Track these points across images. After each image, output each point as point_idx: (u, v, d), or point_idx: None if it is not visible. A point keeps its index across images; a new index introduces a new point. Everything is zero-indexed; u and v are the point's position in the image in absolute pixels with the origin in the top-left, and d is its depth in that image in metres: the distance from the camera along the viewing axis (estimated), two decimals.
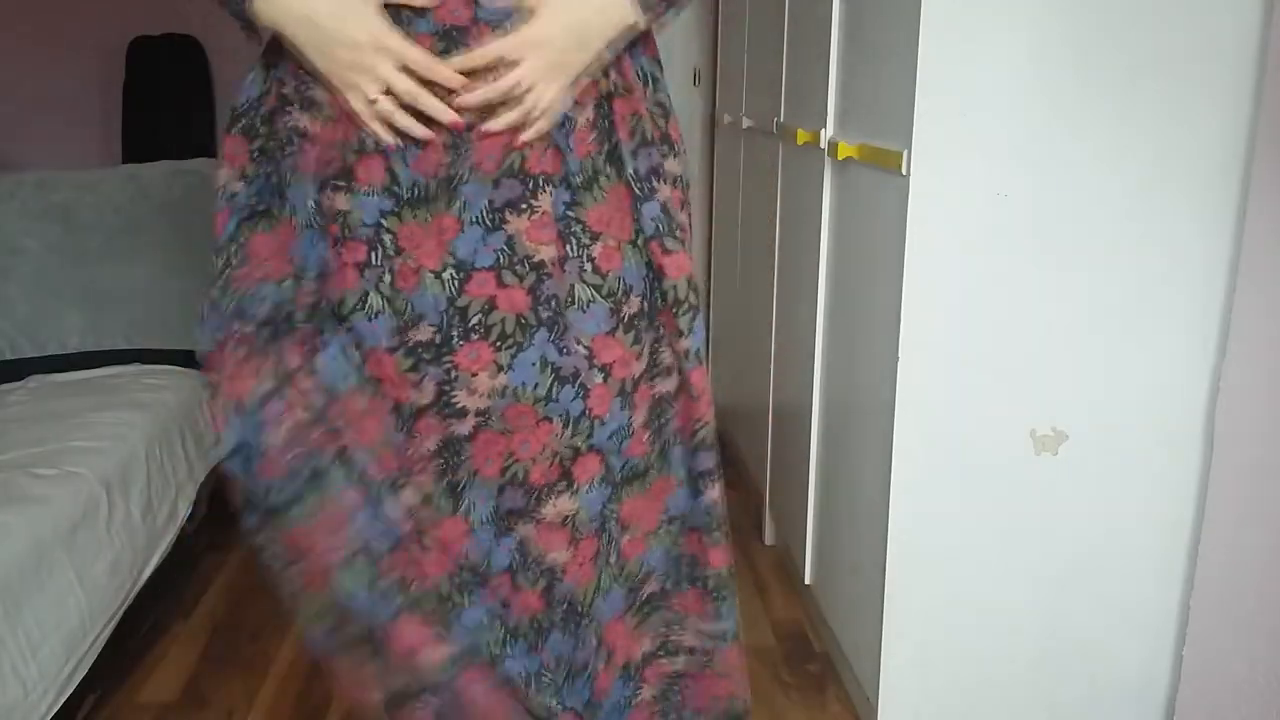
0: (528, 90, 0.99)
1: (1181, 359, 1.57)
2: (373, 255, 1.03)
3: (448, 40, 0.99)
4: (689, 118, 3.25)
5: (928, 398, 1.56)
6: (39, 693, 1.55)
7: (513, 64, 0.99)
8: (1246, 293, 1.50)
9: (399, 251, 1.03)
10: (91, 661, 1.73)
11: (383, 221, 1.02)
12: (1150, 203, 1.51)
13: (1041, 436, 1.59)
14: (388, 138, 1.01)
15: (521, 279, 1.04)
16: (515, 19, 0.99)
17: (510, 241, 1.03)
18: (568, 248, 1.05)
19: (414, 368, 1.04)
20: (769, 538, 2.52)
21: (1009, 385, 1.57)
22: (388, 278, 1.03)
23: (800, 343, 2.12)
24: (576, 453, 1.08)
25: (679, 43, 3.22)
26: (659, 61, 1.13)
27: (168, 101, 3.38)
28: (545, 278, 1.05)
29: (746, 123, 2.63)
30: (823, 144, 1.91)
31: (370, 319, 1.03)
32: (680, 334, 1.11)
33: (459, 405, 1.05)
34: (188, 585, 2.32)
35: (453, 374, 1.04)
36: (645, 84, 1.10)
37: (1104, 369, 1.57)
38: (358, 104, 0.99)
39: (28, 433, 1.99)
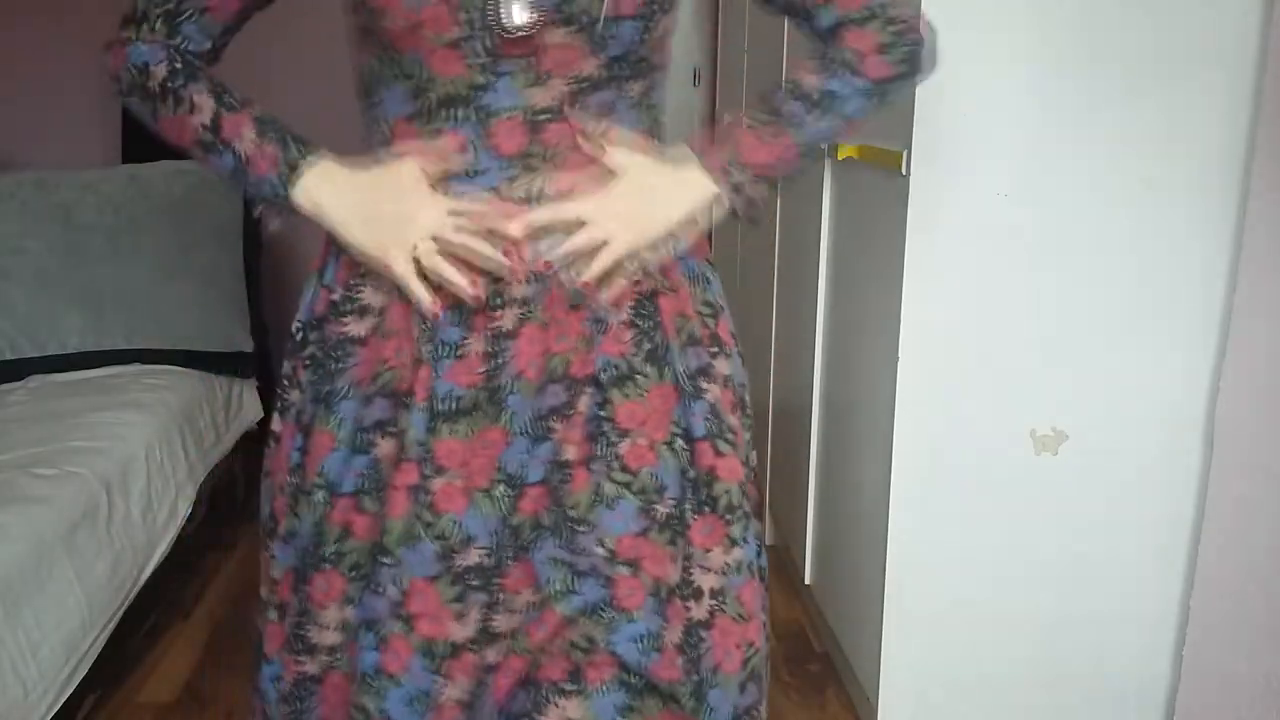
0: (604, 243, 0.94)
1: (1181, 359, 1.57)
2: (419, 475, 0.95)
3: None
4: (689, 118, 3.25)
5: (928, 398, 1.56)
6: (39, 693, 1.55)
7: (582, 222, 0.94)
8: (1246, 293, 1.50)
9: (439, 471, 0.95)
10: (91, 661, 1.73)
11: (424, 439, 0.95)
12: (1150, 203, 1.51)
13: (1041, 436, 1.59)
14: (427, 300, 0.94)
15: (548, 480, 0.98)
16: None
17: (557, 451, 0.97)
18: (595, 447, 0.97)
19: (459, 597, 0.96)
20: (769, 538, 2.52)
21: (1009, 385, 1.57)
22: (427, 498, 0.95)
23: (800, 343, 2.12)
24: (590, 648, 0.97)
25: (679, 43, 3.21)
26: (711, 263, 1.08)
27: None
28: (564, 481, 0.97)
29: (747, 123, 2.62)
30: None
31: (413, 548, 0.95)
32: (733, 543, 1.02)
33: (497, 630, 0.97)
34: (188, 585, 2.32)
35: (498, 597, 0.96)
36: (694, 283, 1.04)
37: (1104, 369, 1.57)
38: (400, 265, 0.93)
39: (28, 433, 1.99)
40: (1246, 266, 1.49)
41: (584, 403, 0.97)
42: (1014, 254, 1.52)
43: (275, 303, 3.33)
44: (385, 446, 0.97)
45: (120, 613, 1.85)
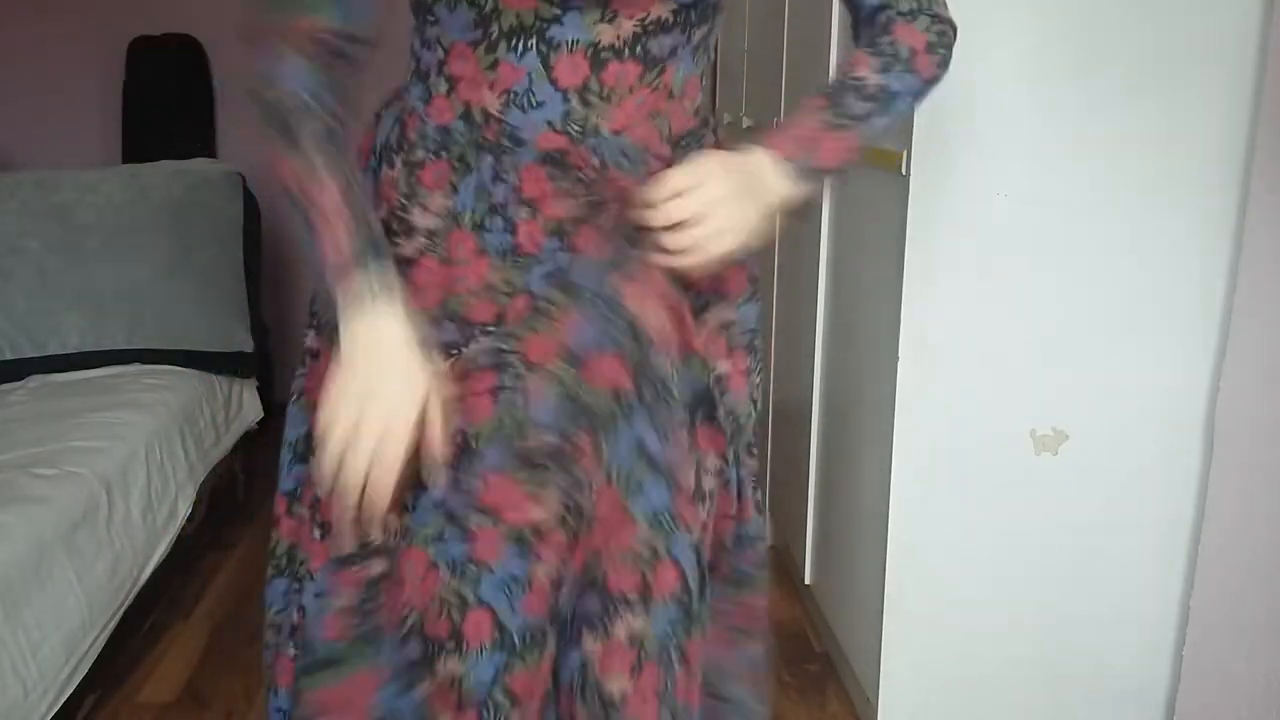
0: (719, 231, 0.93)
1: (1181, 359, 1.57)
2: (502, 378, 0.95)
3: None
4: None
5: (928, 398, 1.56)
6: (39, 693, 1.55)
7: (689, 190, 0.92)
8: (1246, 293, 1.50)
9: (531, 368, 0.95)
10: (91, 661, 1.73)
11: (508, 345, 0.95)
12: (1150, 203, 1.51)
13: (1041, 436, 1.59)
14: (324, 484, 0.91)
15: (632, 356, 0.96)
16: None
17: (633, 324, 0.96)
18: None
19: (538, 480, 0.95)
20: (769, 538, 2.52)
21: (1009, 385, 1.57)
22: (520, 399, 0.94)
23: (800, 343, 2.12)
24: (655, 558, 0.97)
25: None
26: None
27: (168, 101, 3.38)
28: (650, 354, 0.96)
29: (747, 122, 2.63)
30: None
31: (501, 443, 0.94)
32: (725, 462, 1.07)
33: (577, 506, 0.97)
34: (188, 585, 2.32)
35: (576, 476, 0.96)
36: None
37: (1104, 369, 1.57)
38: (333, 427, 0.89)
39: (28, 433, 1.99)
40: (1246, 266, 1.49)
41: (657, 274, 0.97)
42: (1014, 254, 1.52)
43: (275, 303, 3.33)
44: (444, 366, 0.95)
45: (120, 613, 1.85)
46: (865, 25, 1.03)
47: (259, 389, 2.74)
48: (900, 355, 1.55)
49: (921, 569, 1.63)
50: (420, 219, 0.97)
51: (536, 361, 0.94)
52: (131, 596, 1.90)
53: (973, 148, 1.48)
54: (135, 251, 2.51)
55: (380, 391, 0.88)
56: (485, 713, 0.94)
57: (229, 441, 2.52)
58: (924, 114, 1.46)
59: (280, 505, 1.08)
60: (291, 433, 1.07)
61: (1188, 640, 1.62)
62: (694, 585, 0.99)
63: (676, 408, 0.98)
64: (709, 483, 1.04)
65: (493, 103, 0.94)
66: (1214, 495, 1.57)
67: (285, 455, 1.08)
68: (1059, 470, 1.60)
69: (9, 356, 2.40)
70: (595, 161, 0.95)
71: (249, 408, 2.67)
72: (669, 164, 0.97)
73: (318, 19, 0.89)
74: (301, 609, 1.02)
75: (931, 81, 1.02)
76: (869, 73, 0.98)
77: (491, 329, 0.95)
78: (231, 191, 2.71)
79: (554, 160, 0.95)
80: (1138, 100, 1.48)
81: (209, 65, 3.41)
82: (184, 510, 2.17)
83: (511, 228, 0.96)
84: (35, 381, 2.36)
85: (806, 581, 2.11)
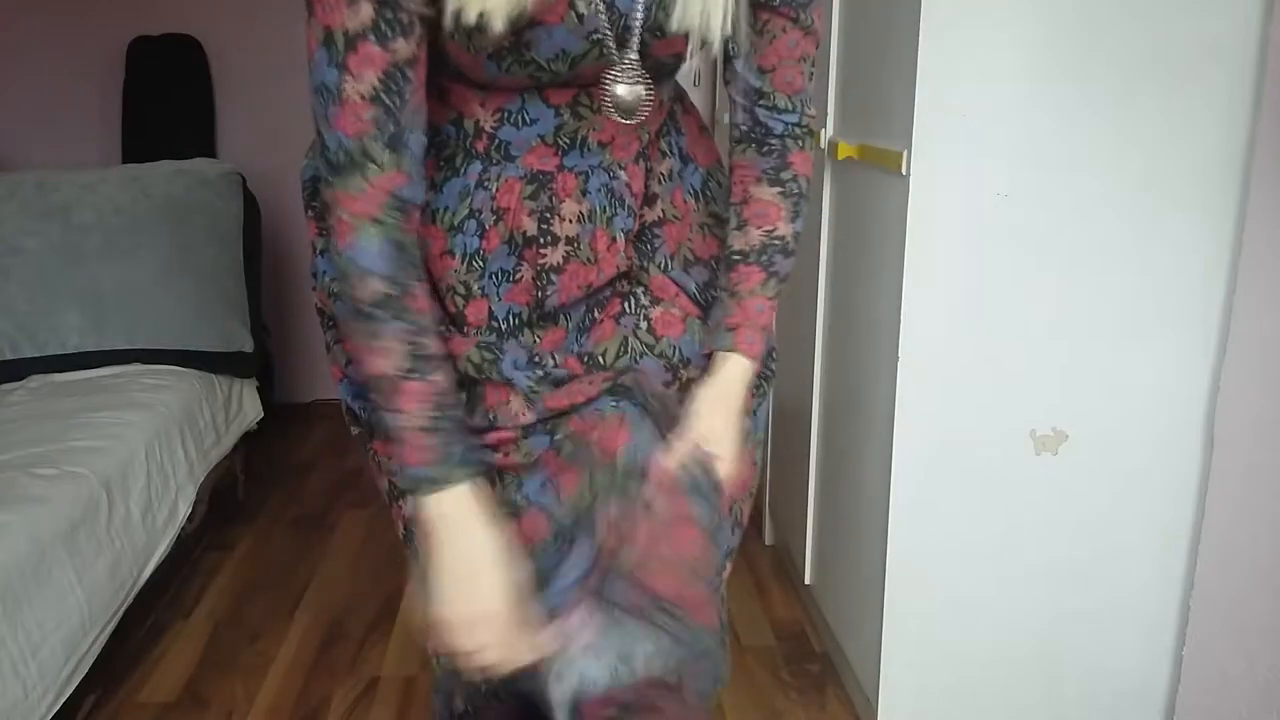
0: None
1: (1181, 359, 1.57)
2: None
3: (536, 183, 0.98)
4: None
5: (928, 398, 1.56)
6: (39, 693, 1.55)
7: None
8: (1246, 293, 1.50)
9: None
10: (91, 661, 1.73)
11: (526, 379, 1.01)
12: (1150, 203, 1.51)
13: (1041, 436, 1.59)
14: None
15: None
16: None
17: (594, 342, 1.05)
18: (625, 305, 1.04)
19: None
20: (769, 538, 2.52)
21: (1009, 385, 1.57)
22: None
23: (800, 343, 2.12)
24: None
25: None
26: (721, 165, 1.12)
27: (168, 101, 3.38)
28: (591, 325, 1.04)
29: None
30: (823, 144, 1.91)
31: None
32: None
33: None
34: (188, 585, 2.32)
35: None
36: (698, 201, 1.09)
37: (1104, 369, 1.57)
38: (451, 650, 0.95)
39: (28, 433, 1.99)
40: (1246, 266, 1.49)
41: (616, 288, 1.04)
42: (1014, 254, 1.52)
43: (275, 303, 3.33)
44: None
45: (120, 613, 1.85)
46: (760, 146, 1.03)
47: (259, 389, 2.74)
48: (900, 355, 1.55)
49: (921, 569, 1.63)
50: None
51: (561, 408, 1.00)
52: (131, 596, 1.90)
53: (973, 148, 1.48)
54: (135, 251, 2.51)
55: (476, 617, 0.93)
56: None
57: (229, 441, 2.52)
58: (924, 114, 1.46)
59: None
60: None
61: (1188, 640, 1.62)
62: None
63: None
64: None
65: (486, 119, 0.96)
66: (1214, 495, 1.57)
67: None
68: (1059, 470, 1.60)
69: (9, 356, 2.41)
70: (578, 209, 0.99)
71: (249, 408, 2.67)
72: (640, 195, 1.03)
73: (396, 176, 0.88)
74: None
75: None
76: (783, 224, 1.04)
77: (442, 329, 0.98)
78: (231, 191, 2.71)
79: (536, 180, 0.98)
80: (1138, 100, 1.48)
81: (209, 65, 3.41)
82: (184, 510, 2.17)
83: (482, 232, 0.98)
84: (35, 381, 2.36)
85: (806, 581, 2.11)
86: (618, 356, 1.03)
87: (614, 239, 1.01)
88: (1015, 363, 1.56)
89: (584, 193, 0.99)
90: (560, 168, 0.98)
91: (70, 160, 3.33)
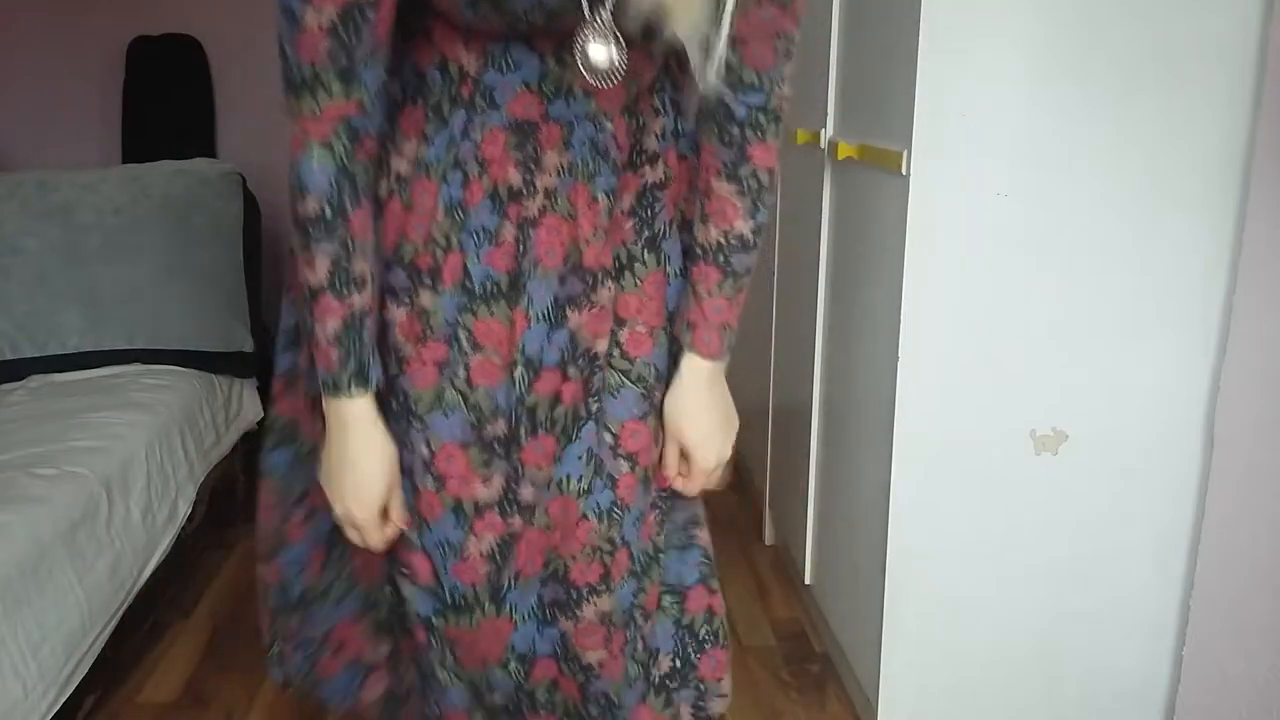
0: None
1: (1181, 359, 1.57)
2: (451, 352, 1.01)
3: (520, 134, 0.98)
4: None
5: (928, 398, 1.56)
6: (39, 693, 1.55)
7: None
8: (1246, 293, 1.50)
9: (477, 347, 1.01)
10: (91, 661, 1.73)
11: (460, 318, 1.01)
12: (1150, 203, 1.51)
13: (1041, 436, 1.59)
14: (374, 540, 1.04)
15: (581, 371, 1.04)
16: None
17: (572, 338, 1.03)
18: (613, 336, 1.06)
19: (486, 463, 1.02)
20: (769, 538, 2.52)
21: (1009, 385, 1.57)
22: (463, 373, 1.01)
23: (800, 343, 2.12)
24: (613, 547, 1.07)
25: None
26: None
27: (168, 101, 3.38)
28: (597, 369, 1.05)
29: None
30: (823, 144, 1.91)
31: (446, 415, 1.02)
32: None
33: (521, 499, 1.04)
34: (188, 585, 2.32)
35: (520, 470, 1.04)
36: (689, 161, 1.09)
37: (1104, 369, 1.57)
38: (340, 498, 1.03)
39: (28, 433, 1.99)
40: (1246, 266, 1.49)
41: (604, 295, 1.03)
42: (1014, 254, 1.52)
43: (275, 303, 3.32)
44: (398, 314, 1.02)
45: (120, 613, 1.85)
46: (721, 134, 1.03)
47: (259, 389, 2.74)
48: (900, 355, 1.55)
49: (921, 569, 1.63)
50: (395, 162, 1.01)
51: (483, 343, 1.01)
52: (131, 596, 1.90)
53: (973, 148, 1.48)
54: (135, 251, 2.51)
55: (354, 506, 1.02)
56: (431, 634, 1.07)
57: (229, 441, 2.52)
58: (924, 114, 1.46)
59: (277, 386, 1.17)
60: (284, 323, 1.17)
61: (1188, 640, 1.62)
62: (642, 555, 1.10)
63: (614, 405, 1.07)
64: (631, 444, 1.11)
65: (470, 63, 0.96)
66: (1214, 495, 1.57)
67: (280, 342, 1.17)
68: (1059, 470, 1.60)
69: (9, 356, 2.41)
70: (559, 161, 0.99)
71: (249, 408, 2.67)
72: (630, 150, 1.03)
73: (346, 104, 0.91)
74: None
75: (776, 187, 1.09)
76: (740, 221, 1.04)
77: (427, 281, 1.01)
78: (231, 191, 2.71)
79: (520, 130, 0.98)
80: (1138, 100, 1.48)
81: (209, 65, 3.41)
82: (184, 510, 2.17)
83: (465, 182, 0.99)
84: (35, 381, 2.36)
85: (806, 581, 2.11)
86: (599, 397, 1.06)
87: (595, 198, 1.01)
88: (1015, 363, 1.56)
89: (567, 144, 0.99)
90: (545, 117, 0.98)
91: (70, 160, 3.33)
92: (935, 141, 1.47)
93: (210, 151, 3.39)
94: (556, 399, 1.03)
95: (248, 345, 2.62)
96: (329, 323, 0.96)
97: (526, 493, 1.04)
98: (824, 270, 1.94)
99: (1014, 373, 1.57)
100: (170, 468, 2.15)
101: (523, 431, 1.03)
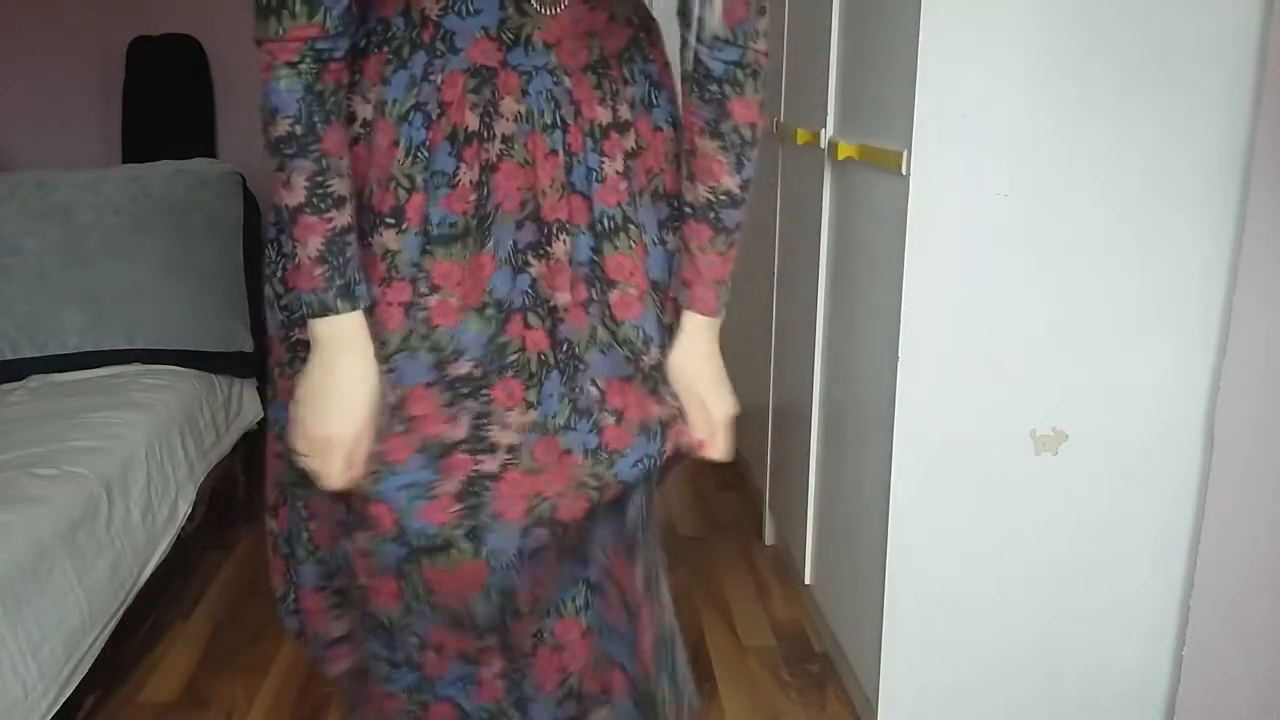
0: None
1: (1181, 359, 1.57)
2: (413, 293, 1.03)
3: (479, 78, 1.01)
4: None
5: (928, 398, 1.56)
6: (39, 693, 1.55)
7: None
8: (1246, 293, 1.50)
9: (434, 289, 1.03)
10: (91, 661, 1.73)
11: (420, 260, 1.03)
12: (1150, 203, 1.51)
13: (1041, 436, 1.59)
14: (332, 479, 1.04)
15: (543, 321, 1.06)
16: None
17: (533, 285, 1.05)
18: (592, 291, 1.07)
19: (450, 403, 1.03)
20: (769, 538, 2.52)
21: (1009, 385, 1.57)
22: (422, 314, 1.03)
23: (800, 343, 2.12)
24: (600, 483, 1.06)
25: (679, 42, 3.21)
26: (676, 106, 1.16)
27: (168, 101, 3.38)
28: (559, 323, 1.06)
29: None
30: (823, 144, 1.91)
31: (412, 357, 1.03)
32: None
33: (490, 441, 1.04)
34: (188, 585, 2.32)
35: (489, 408, 1.04)
36: (675, 130, 1.12)
37: (1104, 369, 1.57)
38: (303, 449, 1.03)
39: (28, 433, 1.99)
40: (1246, 266, 1.49)
41: (560, 248, 1.05)
42: (1014, 254, 1.52)
43: None
44: (382, 268, 1.04)
45: (120, 613, 1.85)
46: (701, 91, 1.04)
47: (259, 389, 2.74)
48: (900, 355, 1.55)
49: (921, 569, 1.63)
50: (360, 108, 1.03)
51: (440, 284, 1.03)
52: (131, 596, 1.90)
53: (973, 148, 1.48)
54: (135, 251, 2.51)
55: (335, 431, 1.01)
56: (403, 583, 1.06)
57: (229, 441, 2.52)
58: (924, 114, 1.46)
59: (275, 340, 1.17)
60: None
61: (1188, 640, 1.62)
62: (642, 497, 1.10)
63: (600, 362, 1.08)
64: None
65: (431, 7, 0.99)
66: (1214, 495, 1.57)
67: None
68: (1059, 470, 1.60)
69: (9, 356, 2.40)
70: (516, 108, 1.01)
71: (249, 408, 2.67)
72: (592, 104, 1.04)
73: (309, 28, 0.94)
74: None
75: (760, 141, 1.09)
76: (727, 177, 1.06)
77: (390, 221, 1.02)
78: (231, 191, 2.71)
79: (479, 74, 1.00)
80: (1138, 99, 1.48)
81: (209, 65, 3.41)
82: (184, 510, 2.17)
83: (428, 124, 1.01)
84: (35, 381, 2.36)
85: (806, 581, 2.11)
86: (587, 348, 1.07)
87: (553, 150, 1.03)
88: (1015, 363, 1.56)
89: (524, 92, 1.01)
90: (503, 64, 1.00)
91: (70, 160, 3.33)
92: (935, 141, 1.47)
93: (210, 151, 3.39)
94: (523, 343, 1.05)
95: (248, 345, 2.62)
96: (311, 241, 0.97)
97: (498, 433, 1.04)
98: (824, 270, 1.94)
99: (1014, 373, 1.57)
100: (170, 468, 2.15)
101: (493, 372, 1.04)
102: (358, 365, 1.01)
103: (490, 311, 1.03)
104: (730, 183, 1.06)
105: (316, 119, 0.95)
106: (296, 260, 0.98)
